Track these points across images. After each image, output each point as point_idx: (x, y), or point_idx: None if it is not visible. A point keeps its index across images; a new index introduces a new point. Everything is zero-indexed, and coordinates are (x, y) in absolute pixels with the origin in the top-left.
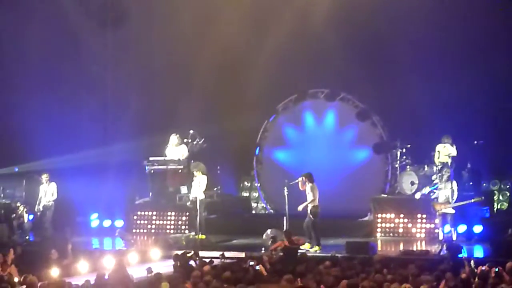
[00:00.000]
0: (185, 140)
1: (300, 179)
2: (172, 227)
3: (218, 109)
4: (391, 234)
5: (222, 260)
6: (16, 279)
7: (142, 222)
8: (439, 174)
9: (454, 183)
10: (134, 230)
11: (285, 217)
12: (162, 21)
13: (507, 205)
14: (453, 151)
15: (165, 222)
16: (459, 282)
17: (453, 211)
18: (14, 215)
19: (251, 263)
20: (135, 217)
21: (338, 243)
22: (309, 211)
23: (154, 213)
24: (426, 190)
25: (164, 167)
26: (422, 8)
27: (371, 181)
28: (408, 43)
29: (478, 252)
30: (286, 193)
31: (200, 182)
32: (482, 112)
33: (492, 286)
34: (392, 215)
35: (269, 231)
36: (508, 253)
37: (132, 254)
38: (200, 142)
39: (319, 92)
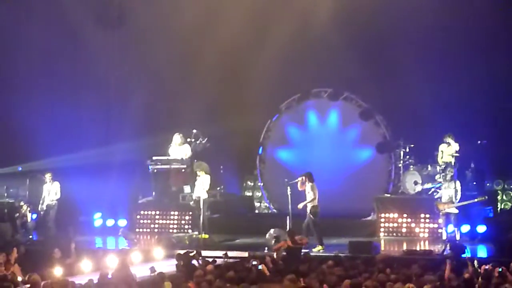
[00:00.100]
0: (188, 140)
1: (300, 178)
2: (175, 226)
3: (221, 108)
4: (394, 234)
5: (225, 259)
6: (19, 278)
7: (145, 221)
8: (443, 174)
9: (458, 182)
10: (137, 230)
11: (288, 217)
12: (165, 21)
13: (510, 204)
14: (456, 146)
15: (168, 221)
16: (462, 282)
17: (456, 211)
18: (18, 214)
19: (254, 262)
20: (138, 217)
21: (341, 243)
22: (308, 211)
23: (157, 212)
24: (428, 185)
25: (167, 166)
26: (424, 8)
27: (374, 180)
28: (410, 43)
29: (482, 252)
30: (289, 192)
31: (203, 181)
32: (486, 111)
33: (495, 286)
34: (395, 215)
35: (272, 230)
36: (511, 253)
37: (135, 253)
38: (203, 142)
39: (323, 91)
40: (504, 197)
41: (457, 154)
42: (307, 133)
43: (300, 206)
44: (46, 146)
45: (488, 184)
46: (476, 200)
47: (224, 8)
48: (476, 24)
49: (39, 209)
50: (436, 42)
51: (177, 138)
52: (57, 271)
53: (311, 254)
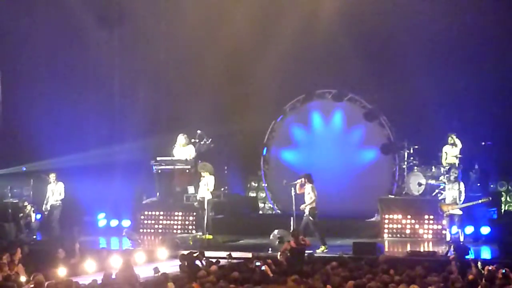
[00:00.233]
0: (192, 140)
1: (299, 180)
2: (179, 227)
3: (225, 109)
4: (398, 235)
5: (229, 260)
6: (23, 278)
7: (149, 222)
8: (447, 175)
9: (462, 184)
10: (141, 230)
11: (292, 217)
12: (169, 21)
13: None
14: (459, 144)
15: (172, 222)
16: (466, 283)
17: (460, 212)
18: (22, 214)
19: (257, 263)
20: (142, 217)
21: (345, 244)
22: (307, 212)
23: (161, 213)
24: (432, 181)
25: (172, 167)
26: (430, 9)
27: (379, 181)
28: (415, 44)
29: (486, 253)
30: (293, 193)
31: (207, 182)
32: (490, 113)
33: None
34: (400, 216)
35: (276, 231)
36: None
37: (139, 253)
38: (207, 142)
39: (327, 92)
40: (508, 199)
41: (460, 155)
42: (311, 134)
43: (303, 207)
44: (50, 146)
45: (492, 186)
46: (480, 201)
47: (229, 9)
48: (482, 24)
49: (43, 209)
50: (441, 42)
51: (181, 138)
52: (61, 271)
53: (315, 255)
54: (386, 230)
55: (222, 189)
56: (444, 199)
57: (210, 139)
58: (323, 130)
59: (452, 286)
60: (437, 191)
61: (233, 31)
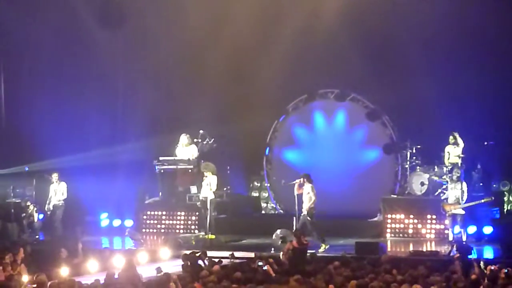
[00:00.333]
0: (195, 140)
1: (298, 180)
2: (181, 227)
3: (228, 109)
4: (400, 235)
5: (232, 260)
6: (26, 278)
7: (151, 221)
8: (449, 175)
9: (464, 184)
10: (143, 230)
11: (294, 217)
12: (172, 21)
13: None
14: (461, 142)
15: (174, 221)
16: (468, 283)
17: (463, 212)
18: (24, 214)
19: (260, 263)
20: (144, 217)
21: (348, 243)
22: (306, 212)
23: (164, 212)
24: (436, 177)
25: (174, 167)
26: (432, 8)
27: (381, 181)
28: (417, 44)
29: (488, 253)
30: (296, 193)
31: (210, 182)
32: (493, 113)
33: (501, 287)
34: (402, 216)
35: (278, 231)
36: None
37: (142, 253)
38: (210, 142)
39: (329, 92)
40: (510, 198)
41: (463, 155)
42: (314, 134)
43: (306, 210)
44: (53, 146)
45: (494, 185)
46: (482, 201)
47: (231, 9)
48: (485, 24)
49: (46, 209)
50: (443, 42)
51: (184, 138)
52: (64, 271)
53: (318, 255)
54: (388, 230)
55: (225, 189)
56: (446, 198)
57: (213, 139)
58: (325, 130)
59: (454, 286)
60: (439, 190)
61: (236, 31)
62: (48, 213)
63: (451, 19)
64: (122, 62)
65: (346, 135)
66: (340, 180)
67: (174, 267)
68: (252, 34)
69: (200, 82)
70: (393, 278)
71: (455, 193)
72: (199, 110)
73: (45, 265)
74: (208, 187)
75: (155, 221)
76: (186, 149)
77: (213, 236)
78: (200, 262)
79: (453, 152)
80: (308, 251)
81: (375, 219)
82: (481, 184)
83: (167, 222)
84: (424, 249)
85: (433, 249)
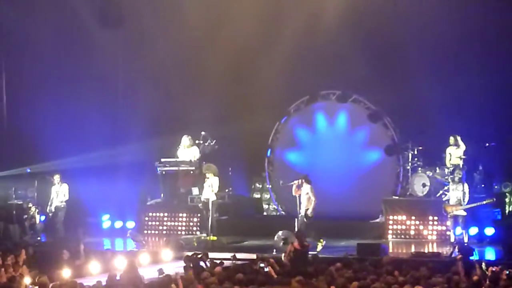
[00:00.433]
0: (196, 142)
1: (296, 181)
2: (183, 228)
3: (229, 110)
4: (402, 236)
5: (234, 261)
6: (27, 280)
7: (153, 223)
8: (451, 176)
9: (466, 185)
10: (145, 231)
11: (296, 219)
12: (173, 22)
13: None
14: (462, 144)
15: (176, 223)
16: (470, 284)
17: (464, 213)
18: (26, 216)
19: (261, 265)
20: (146, 218)
21: (350, 245)
22: (303, 213)
23: (166, 214)
24: (438, 176)
25: (176, 168)
26: (434, 10)
27: (383, 182)
28: (419, 45)
29: (490, 254)
30: (293, 194)
31: (211, 183)
32: (494, 114)
33: None
34: (404, 217)
35: (280, 232)
36: None
37: (144, 255)
38: (211, 144)
39: (331, 93)
40: None
41: (464, 156)
42: (316, 135)
43: (311, 212)
44: (54, 147)
45: (496, 187)
46: (484, 202)
47: (233, 10)
48: (486, 25)
49: (48, 210)
50: (444, 43)
51: (185, 140)
52: (66, 273)
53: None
54: (390, 231)
55: (227, 190)
56: (448, 200)
57: (214, 141)
58: (327, 131)
59: (456, 287)
60: (441, 192)
61: (237, 32)
62: (50, 214)
63: (452, 20)
64: (123, 63)
65: (347, 136)
66: (341, 181)
67: (176, 268)
68: (254, 35)
69: (202, 83)
70: (395, 279)
71: (457, 194)
72: (200, 111)
73: (47, 266)
74: (210, 188)
75: (157, 223)
76: (187, 151)
77: (215, 238)
78: (202, 263)
79: (455, 154)
80: (310, 252)
81: (377, 220)
82: (482, 185)
83: (168, 223)
84: (426, 251)
85: (435, 250)
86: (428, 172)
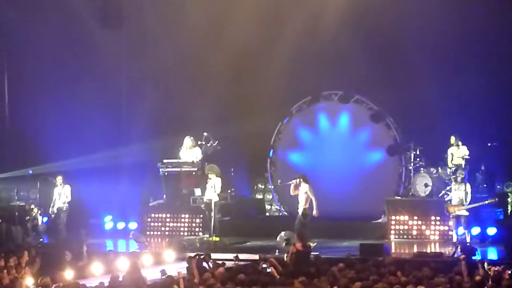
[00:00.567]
0: (199, 142)
1: (294, 181)
2: (186, 229)
3: (232, 111)
4: (405, 236)
5: (236, 262)
6: (30, 281)
7: (156, 224)
8: (453, 176)
9: (468, 185)
10: (148, 232)
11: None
12: (175, 23)
13: None
14: (466, 150)
15: (179, 224)
16: (473, 284)
17: (467, 213)
18: (28, 217)
19: (264, 265)
20: (149, 219)
21: (352, 245)
22: (300, 213)
23: (168, 215)
24: (442, 174)
25: (178, 169)
26: (435, 10)
27: (385, 183)
28: (421, 46)
29: (492, 254)
30: (291, 193)
31: (214, 184)
32: (496, 114)
33: None
34: (406, 217)
35: (283, 233)
36: None
37: (146, 256)
38: (214, 144)
39: (333, 94)
40: None
41: (467, 157)
42: (318, 136)
43: (316, 212)
44: (57, 149)
45: (498, 187)
46: (486, 202)
47: (235, 10)
48: (488, 25)
49: (50, 212)
50: (446, 43)
51: (188, 141)
52: (68, 274)
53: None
54: (392, 231)
55: (229, 191)
56: (450, 200)
57: (217, 141)
58: (329, 131)
59: (458, 287)
60: (443, 192)
61: (239, 32)
62: (52, 216)
63: (452, 20)
64: (125, 64)
65: (350, 137)
66: (344, 181)
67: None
68: (256, 35)
69: (204, 84)
70: (397, 279)
71: (459, 194)
72: (203, 112)
73: (49, 268)
74: (212, 189)
75: (159, 224)
76: (190, 151)
77: (217, 239)
78: (204, 264)
79: (456, 154)
80: (312, 253)
81: (379, 220)
82: (484, 185)
83: (171, 224)
84: (428, 251)
85: (437, 250)
86: (432, 169)
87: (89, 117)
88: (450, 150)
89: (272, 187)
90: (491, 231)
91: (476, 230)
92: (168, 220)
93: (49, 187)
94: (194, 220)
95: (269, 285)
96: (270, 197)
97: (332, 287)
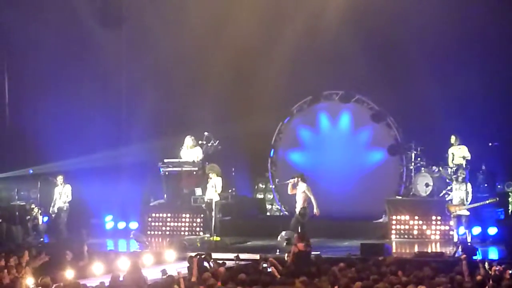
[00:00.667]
0: (200, 142)
1: (292, 180)
2: (186, 229)
3: (232, 111)
4: (406, 236)
5: (237, 262)
6: (31, 281)
7: (156, 224)
8: (454, 176)
9: (469, 185)
10: (148, 232)
11: None
12: (176, 23)
13: None
14: (467, 152)
15: (179, 224)
16: (474, 284)
17: (467, 213)
18: (29, 217)
19: (265, 265)
20: (149, 219)
21: (353, 245)
22: (298, 212)
23: (169, 215)
24: (442, 172)
25: (179, 169)
26: (436, 10)
27: (386, 183)
28: (422, 45)
29: (493, 254)
30: (289, 193)
31: (215, 184)
32: (497, 114)
33: None
34: (407, 217)
35: (283, 233)
36: None
37: (147, 255)
38: (214, 144)
39: (334, 93)
40: None
41: (468, 158)
42: (319, 136)
43: (316, 211)
44: (57, 148)
45: (499, 186)
46: (487, 202)
47: (235, 10)
48: (488, 25)
49: (50, 211)
50: (446, 43)
51: (188, 140)
52: (69, 274)
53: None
54: (393, 231)
55: (230, 190)
56: (451, 200)
57: (218, 141)
58: (330, 131)
59: (459, 287)
60: (444, 192)
61: (240, 32)
62: (53, 215)
63: (453, 21)
64: (125, 64)
65: (351, 136)
66: (345, 181)
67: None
68: (256, 35)
69: (204, 84)
70: (398, 279)
71: (460, 194)
72: (203, 111)
73: (50, 268)
74: (213, 189)
75: (160, 223)
76: (190, 151)
77: (218, 238)
78: (205, 264)
79: (457, 153)
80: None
81: (380, 220)
82: (485, 185)
83: (172, 224)
84: (429, 251)
85: (438, 250)
86: (434, 168)
87: (89, 117)
88: (451, 150)
89: (273, 186)
90: (492, 230)
91: (477, 230)
92: (168, 219)
93: (49, 187)
94: (194, 219)
95: (269, 284)
96: (271, 196)
97: (332, 286)
